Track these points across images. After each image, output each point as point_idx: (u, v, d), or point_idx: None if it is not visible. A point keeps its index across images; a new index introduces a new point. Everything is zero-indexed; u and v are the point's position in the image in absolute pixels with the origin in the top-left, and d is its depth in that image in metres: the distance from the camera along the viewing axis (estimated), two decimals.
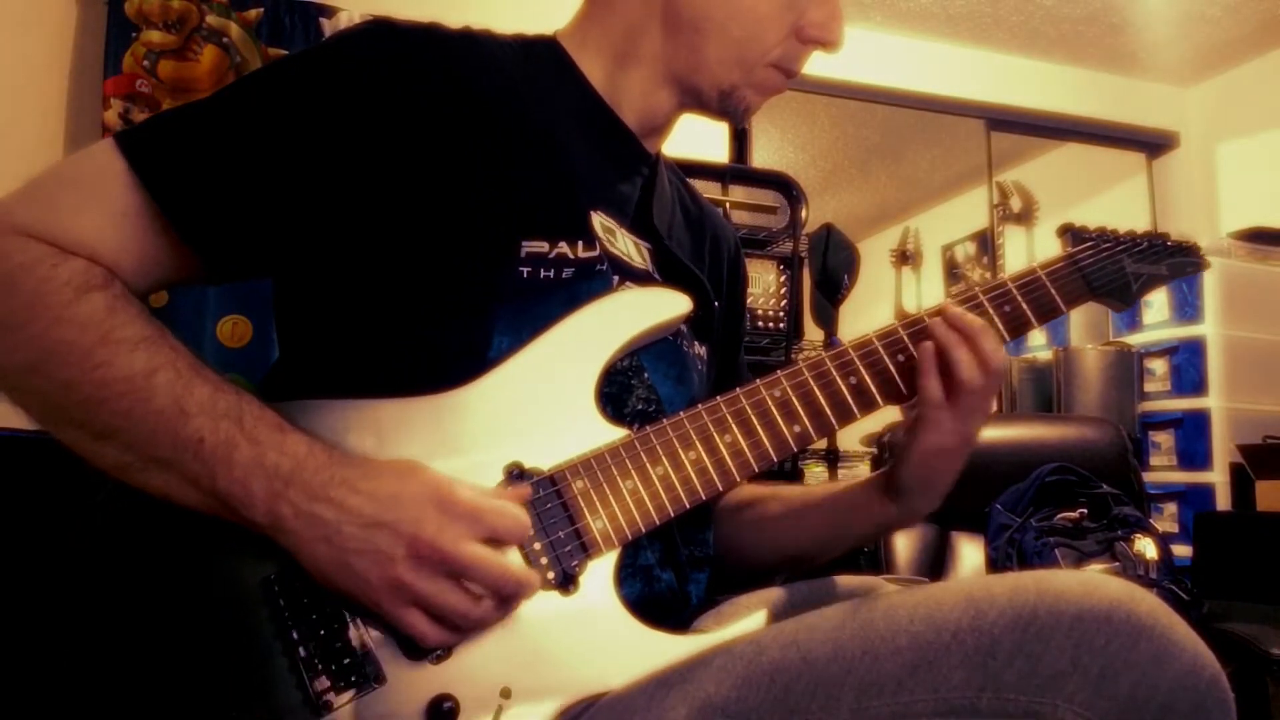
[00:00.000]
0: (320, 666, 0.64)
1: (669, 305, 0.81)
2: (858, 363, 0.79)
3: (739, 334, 1.05)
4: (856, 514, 0.87)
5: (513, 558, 0.67)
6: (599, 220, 0.81)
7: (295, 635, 0.64)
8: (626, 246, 0.85)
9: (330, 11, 2.68)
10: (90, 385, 0.63)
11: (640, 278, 0.84)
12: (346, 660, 0.64)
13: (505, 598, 0.65)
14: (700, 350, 0.92)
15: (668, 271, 0.90)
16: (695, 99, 0.87)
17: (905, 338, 0.79)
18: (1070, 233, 0.87)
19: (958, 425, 0.77)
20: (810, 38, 0.84)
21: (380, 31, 0.75)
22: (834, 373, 0.78)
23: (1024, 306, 0.81)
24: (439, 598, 0.62)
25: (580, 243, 0.78)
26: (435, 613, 0.63)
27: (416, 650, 0.65)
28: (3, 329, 0.64)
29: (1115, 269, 0.86)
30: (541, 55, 0.86)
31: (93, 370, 0.63)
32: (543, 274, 0.75)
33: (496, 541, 0.65)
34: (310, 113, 0.72)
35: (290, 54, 0.76)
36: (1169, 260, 0.89)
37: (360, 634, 0.65)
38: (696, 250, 0.97)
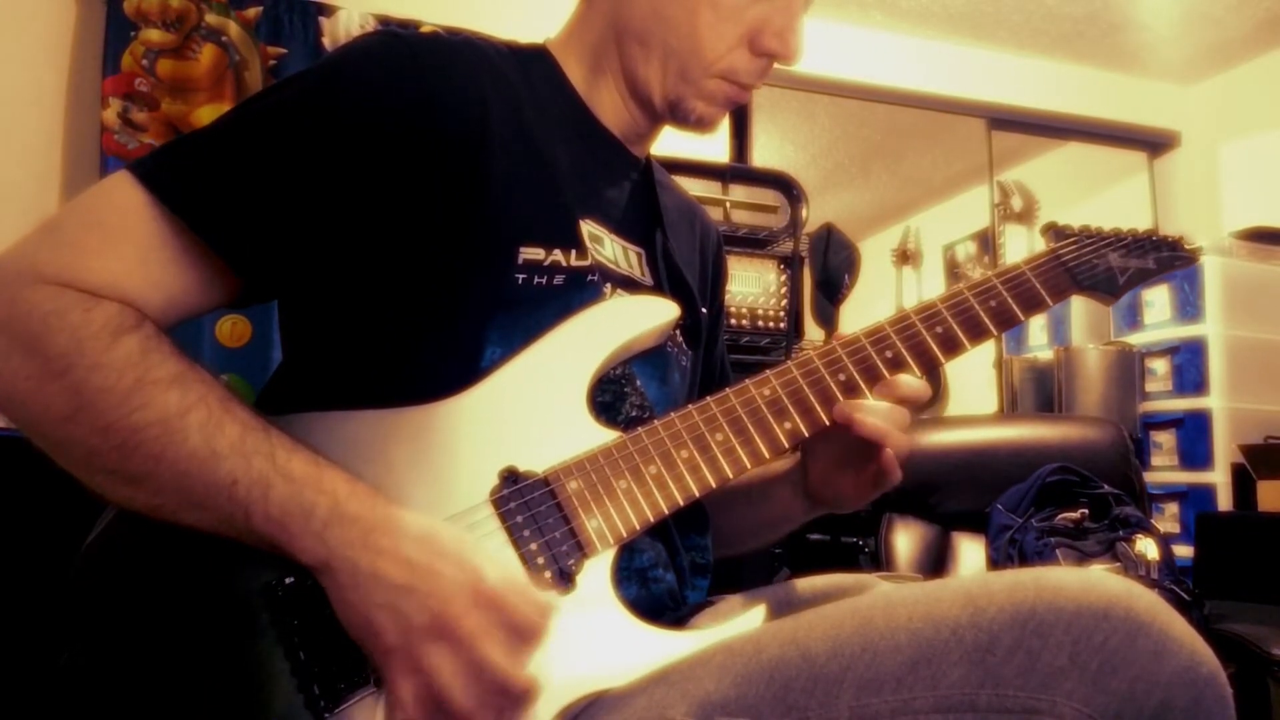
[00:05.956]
0: (320, 669, 0.64)
1: (658, 312, 0.82)
2: (846, 360, 0.80)
3: (718, 329, 1.06)
4: (769, 504, 0.93)
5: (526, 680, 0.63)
6: (587, 228, 0.82)
7: (296, 639, 0.64)
8: (614, 253, 0.86)
9: (329, 10, 2.67)
10: (126, 430, 0.62)
11: (628, 284, 0.85)
12: (346, 662, 0.64)
13: (498, 702, 0.62)
14: (686, 354, 0.93)
15: (659, 277, 0.91)
16: (650, 109, 0.87)
17: (893, 335, 0.81)
18: (1053, 231, 0.89)
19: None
20: (763, 49, 0.83)
21: (390, 46, 0.75)
22: (822, 370, 0.80)
23: (1009, 301, 0.82)
24: (439, 676, 0.61)
25: (573, 251, 0.79)
26: (429, 686, 0.62)
27: None
28: (41, 379, 0.63)
29: (1099, 263, 0.87)
30: (533, 64, 0.87)
31: (129, 415, 0.62)
32: (536, 281, 0.76)
33: (517, 632, 0.63)
34: (327, 130, 0.71)
35: (299, 71, 0.76)
36: (1155, 255, 0.91)
37: None
38: (688, 253, 0.98)
